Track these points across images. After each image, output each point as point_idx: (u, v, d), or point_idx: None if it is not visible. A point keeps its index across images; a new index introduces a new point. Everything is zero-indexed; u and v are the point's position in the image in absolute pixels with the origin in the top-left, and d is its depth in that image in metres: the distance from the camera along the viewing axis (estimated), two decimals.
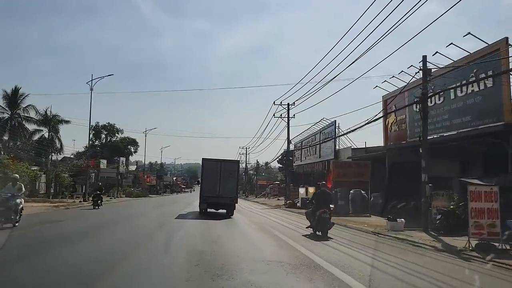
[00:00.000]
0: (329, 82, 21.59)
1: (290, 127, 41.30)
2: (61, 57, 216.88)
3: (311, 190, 32.21)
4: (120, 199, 46.85)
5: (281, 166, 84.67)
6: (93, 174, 55.01)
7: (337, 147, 37.13)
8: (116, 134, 77.45)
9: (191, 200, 43.65)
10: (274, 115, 38.15)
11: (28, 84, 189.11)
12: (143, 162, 78.91)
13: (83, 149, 72.21)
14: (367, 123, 24.17)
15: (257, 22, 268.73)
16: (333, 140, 36.70)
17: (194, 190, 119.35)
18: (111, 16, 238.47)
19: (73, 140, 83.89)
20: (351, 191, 24.88)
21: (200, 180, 23.42)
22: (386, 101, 26.71)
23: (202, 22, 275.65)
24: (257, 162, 60.59)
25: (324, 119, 38.59)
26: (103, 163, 62.50)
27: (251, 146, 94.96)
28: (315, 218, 13.22)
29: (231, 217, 21.09)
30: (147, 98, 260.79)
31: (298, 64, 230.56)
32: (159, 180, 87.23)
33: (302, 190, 33.19)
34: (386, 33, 13.04)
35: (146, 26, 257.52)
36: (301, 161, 52.92)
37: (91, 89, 39.35)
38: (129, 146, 78.09)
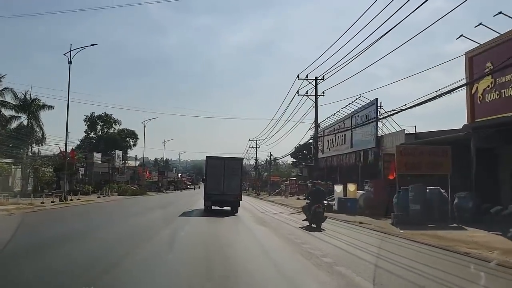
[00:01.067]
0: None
1: (310, 109, 33.23)
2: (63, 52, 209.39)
3: (352, 187, 24.05)
4: (110, 198, 38.86)
5: (295, 160, 76.44)
6: (82, 168, 47.09)
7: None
8: (114, 126, 69.54)
9: (194, 199, 35.70)
10: (298, 92, 29.75)
11: (30, 81, 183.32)
12: (143, 156, 70.73)
13: (78, 142, 64.89)
14: (442, 95, 16.09)
15: (262, 18, 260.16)
16: (374, 124, 28.39)
17: (199, 187, 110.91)
18: (115, 12, 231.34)
19: (68, 132, 76.19)
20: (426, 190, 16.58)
21: (204, 177, 22.87)
22: (472, 58, 18.35)
23: (207, 17, 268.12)
24: (270, 154, 52.43)
25: (362, 97, 30.24)
26: (97, 157, 54.60)
27: (262, 139, 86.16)
28: (310, 213, 14.73)
29: (235, 214, 20.35)
30: (152, 94, 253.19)
31: (302, 60, 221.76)
32: (161, 176, 79.14)
33: (338, 189, 24.89)
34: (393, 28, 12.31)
35: (150, 22, 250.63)
36: (323, 153, 44.63)
37: (70, 62, 31.36)
38: (127, 139, 70.06)
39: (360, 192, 24.23)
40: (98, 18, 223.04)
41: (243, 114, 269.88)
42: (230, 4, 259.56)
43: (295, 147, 70.74)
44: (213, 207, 21.47)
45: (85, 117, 67.90)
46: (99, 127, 68.75)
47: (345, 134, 36.02)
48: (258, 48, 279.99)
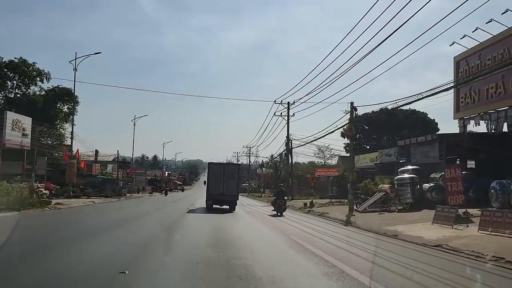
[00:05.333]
0: None
1: None
2: (62, 53, 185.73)
3: None
4: None
5: (348, 142, 45.55)
6: None
7: None
8: (39, 83, 38.65)
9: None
10: None
11: None
12: (71, 131, 38.54)
13: None
14: None
15: (262, 17, 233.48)
16: None
17: (182, 191, 74.80)
18: (113, 11, 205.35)
19: None
20: None
21: (206, 180, 24.30)
22: None
23: (206, 17, 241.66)
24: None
25: None
26: None
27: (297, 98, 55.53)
28: (276, 205, 20.64)
29: (233, 211, 21.83)
30: (148, 94, 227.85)
31: (303, 59, 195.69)
32: (131, 171, 47.94)
33: None
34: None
35: (149, 21, 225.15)
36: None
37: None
38: (58, 103, 39.04)
39: None
40: (96, 18, 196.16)
41: (242, 114, 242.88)
42: (229, 3, 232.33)
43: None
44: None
45: None
46: (10, 83, 37.83)
47: None
48: (258, 48, 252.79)
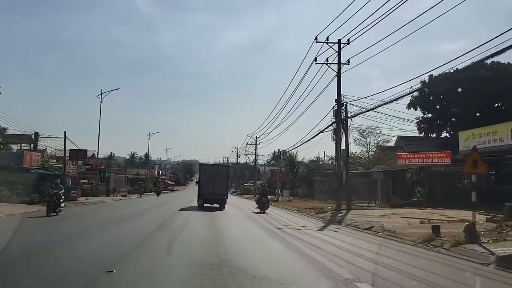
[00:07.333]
0: None
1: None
2: (60, 53, 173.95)
3: None
4: None
5: (426, 117, 30.45)
6: None
7: None
8: None
9: None
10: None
11: (29, 81, 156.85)
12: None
13: None
14: None
15: (260, 16, 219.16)
16: None
17: (158, 194, 49.15)
18: (109, 10, 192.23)
19: None
20: None
21: (198, 181, 26.05)
22: None
23: (203, 16, 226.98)
24: None
25: None
26: None
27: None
28: (260, 203, 22.24)
29: (223, 209, 22.75)
30: (146, 94, 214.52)
31: (300, 59, 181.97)
32: (77, 163, 32.78)
33: None
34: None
35: (145, 20, 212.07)
36: None
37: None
38: None
39: None
40: (91, 17, 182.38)
41: (240, 114, 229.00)
42: (226, 1, 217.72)
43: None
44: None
45: None
46: None
47: None
48: (255, 47, 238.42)
